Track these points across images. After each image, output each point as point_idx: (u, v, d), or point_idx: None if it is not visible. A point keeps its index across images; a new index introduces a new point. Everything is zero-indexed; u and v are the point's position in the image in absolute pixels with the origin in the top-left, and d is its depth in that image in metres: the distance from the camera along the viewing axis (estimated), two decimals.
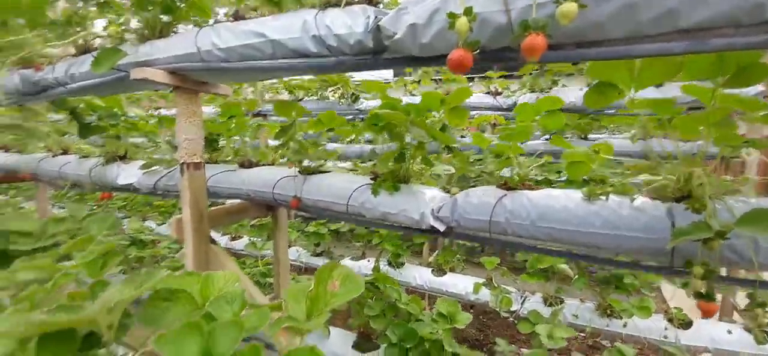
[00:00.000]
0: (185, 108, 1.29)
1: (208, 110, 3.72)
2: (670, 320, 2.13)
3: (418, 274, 2.88)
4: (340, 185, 1.40)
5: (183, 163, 1.30)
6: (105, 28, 1.32)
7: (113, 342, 0.70)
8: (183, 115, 1.29)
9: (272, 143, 2.83)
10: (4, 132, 2.82)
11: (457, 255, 2.84)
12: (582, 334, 3.32)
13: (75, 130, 2.10)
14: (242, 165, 1.68)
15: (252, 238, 3.41)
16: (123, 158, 2.13)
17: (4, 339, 0.66)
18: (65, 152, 2.53)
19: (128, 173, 1.98)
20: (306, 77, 3.57)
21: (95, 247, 1.10)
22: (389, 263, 2.92)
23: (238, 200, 1.67)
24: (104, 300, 0.67)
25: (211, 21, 1.16)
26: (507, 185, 1.18)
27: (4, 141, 3.19)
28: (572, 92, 2.46)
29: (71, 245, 1.11)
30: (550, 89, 2.56)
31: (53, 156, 2.47)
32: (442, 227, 1.19)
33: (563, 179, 1.74)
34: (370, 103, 3.47)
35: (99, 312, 0.65)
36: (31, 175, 2.58)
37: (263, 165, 1.71)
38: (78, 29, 1.53)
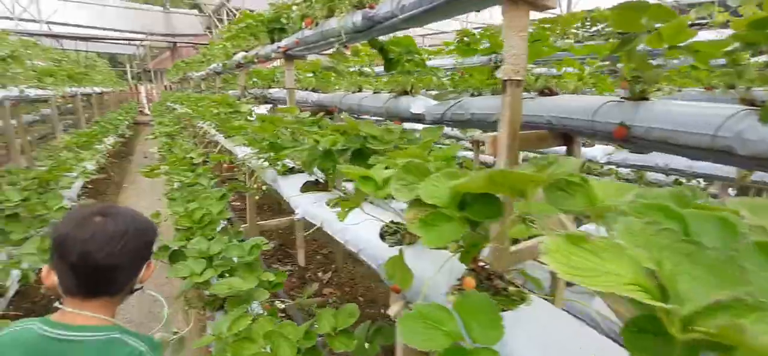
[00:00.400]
0: (516, 21, 1.26)
1: None
2: None
3: None
4: (699, 112, 1.11)
5: (507, 79, 1.30)
6: None
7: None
8: (513, 28, 1.26)
9: None
10: (323, 74, 3.67)
11: None
12: None
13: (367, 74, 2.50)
14: (542, 93, 1.59)
15: None
16: (409, 92, 2.41)
17: (440, 195, 0.75)
18: (360, 90, 3.09)
19: (418, 104, 2.22)
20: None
21: (432, 150, 1.21)
22: None
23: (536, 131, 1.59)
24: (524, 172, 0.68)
25: None
26: None
27: (312, 85, 4.19)
28: None
29: (414, 149, 1.26)
30: None
31: (353, 93, 3.06)
32: None
33: None
34: None
35: (524, 180, 0.66)
36: (336, 108, 3.29)
37: (564, 93, 1.58)
38: None
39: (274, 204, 5.31)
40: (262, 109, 5.77)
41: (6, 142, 4.38)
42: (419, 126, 2.12)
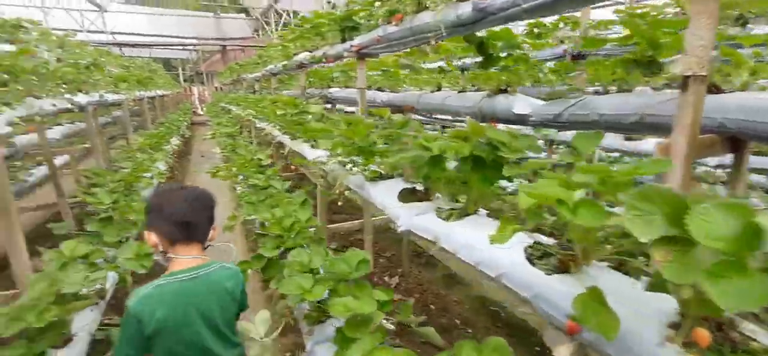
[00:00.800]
0: (704, 4, 1.03)
1: None
2: None
3: None
4: None
5: (689, 75, 1.07)
6: None
7: None
8: (701, 13, 1.04)
9: None
10: (394, 71, 3.53)
11: None
12: None
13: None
14: (709, 91, 1.33)
15: None
16: (506, 90, 2.20)
17: (724, 236, 0.56)
18: (439, 88, 2.92)
19: (522, 104, 2.01)
20: None
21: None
22: None
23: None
24: None
25: None
26: None
27: (377, 83, 4.06)
28: None
29: (590, 164, 1.07)
30: None
31: (432, 92, 2.89)
32: None
33: None
34: None
35: None
36: (411, 108, 3.14)
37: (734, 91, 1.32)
38: None
39: (331, 204, 5.28)
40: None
41: (90, 143, 4.63)
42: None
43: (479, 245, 1.30)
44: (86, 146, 4.93)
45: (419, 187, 1.95)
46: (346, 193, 2.49)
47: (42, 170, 4.30)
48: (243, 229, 4.42)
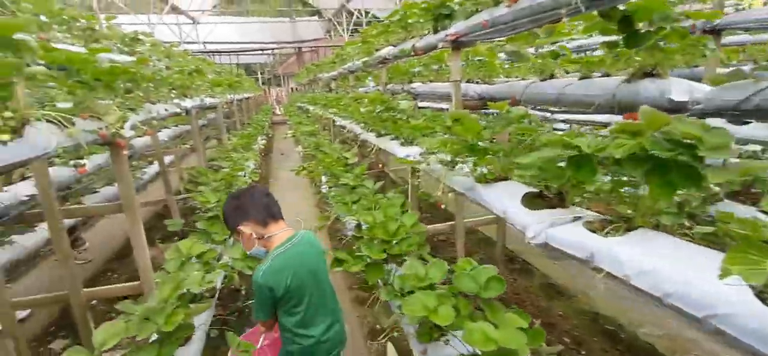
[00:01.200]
0: None
1: None
2: None
3: None
4: None
5: None
6: None
7: None
8: None
9: None
10: (488, 61, 3.24)
11: None
12: None
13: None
14: None
15: None
16: (653, 73, 1.82)
17: None
18: (552, 77, 2.58)
19: (680, 89, 1.63)
20: None
21: None
22: None
23: None
24: None
25: None
26: None
27: (476, 76, 3.78)
28: None
29: None
30: None
31: (541, 81, 2.56)
32: None
33: None
34: None
35: None
36: (514, 100, 2.83)
37: None
38: None
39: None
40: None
41: (192, 143, 5.00)
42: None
43: (665, 270, 1.01)
44: (188, 146, 5.34)
45: (545, 191, 1.67)
46: (450, 195, 2.29)
47: (152, 169, 4.74)
48: (327, 229, 4.45)
